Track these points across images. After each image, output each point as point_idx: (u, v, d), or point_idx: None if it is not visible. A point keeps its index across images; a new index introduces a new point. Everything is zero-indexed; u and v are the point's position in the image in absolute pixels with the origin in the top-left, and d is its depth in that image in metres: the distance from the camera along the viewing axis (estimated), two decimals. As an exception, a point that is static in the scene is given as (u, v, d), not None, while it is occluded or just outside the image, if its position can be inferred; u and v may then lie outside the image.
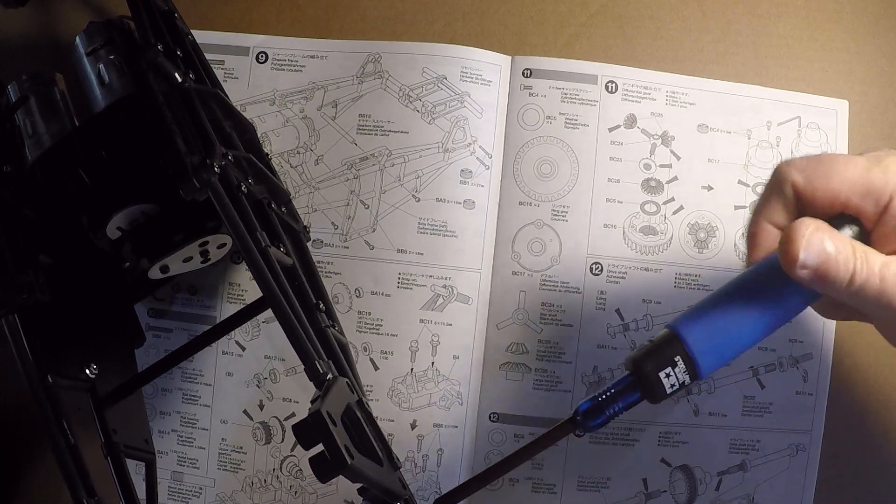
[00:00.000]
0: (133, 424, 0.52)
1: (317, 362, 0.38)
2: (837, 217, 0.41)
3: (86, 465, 0.43)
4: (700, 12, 0.61)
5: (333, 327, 0.48)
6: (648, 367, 0.41)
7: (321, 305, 0.48)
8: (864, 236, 0.41)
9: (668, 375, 0.40)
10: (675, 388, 0.41)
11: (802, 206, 0.42)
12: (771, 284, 0.41)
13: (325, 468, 0.33)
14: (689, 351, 0.40)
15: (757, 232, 0.43)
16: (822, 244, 0.39)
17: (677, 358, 0.40)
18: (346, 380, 0.40)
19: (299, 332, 0.40)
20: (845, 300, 0.41)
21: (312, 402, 0.35)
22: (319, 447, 0.33)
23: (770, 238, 0.43)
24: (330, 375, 0.38)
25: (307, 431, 0.33)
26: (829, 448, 0.57)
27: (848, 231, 0.41)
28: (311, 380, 0.38)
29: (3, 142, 0.51)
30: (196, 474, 0.58)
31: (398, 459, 0.42)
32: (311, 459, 0.33)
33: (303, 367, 0.39)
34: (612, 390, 0.42)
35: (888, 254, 0.40)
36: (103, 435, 0.47)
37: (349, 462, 0.33)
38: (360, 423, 0.38)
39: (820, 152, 0.58)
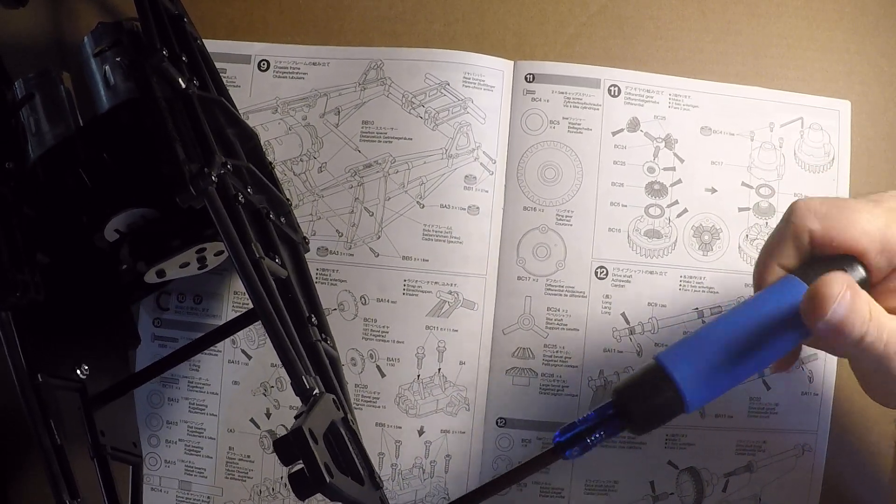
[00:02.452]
0: (122, 427, 0.52)
1: (303, 378, 0.38)
2: (846, 257, 0.42)
3: (71, 465, 0.43)
4: (700, 12, 0.61)
5: (325, 341, 0.48)
6: (634, 401, 0.41)
7: (313, 319, 0.47)
8: (867, 282, 0.42)
9: None
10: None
11: (815, 249, 0.42)
12: (765, 325, 0.41)
13: (303, 485, 0.33)
14: (678, 388, 0.40)
15: (765, 273, 0.44)
16: (847, 305, 0.39)
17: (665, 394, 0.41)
18: (333, 396, 0.40)
19: (287, 347, 0.40)
20: (843, 350, 0.42)
21: (296, 417, 0.35)
22: (300, 463, 0.33)
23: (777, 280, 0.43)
24: (316, 391, 0.38)
25: (288, 447, 0.33)
26: (834, 448, 0.57)
27: (855, 275, 0.41)
28: (297, 394, 0.38)
29: (6, 138, 0.51)
30: (204, 483, 0.58)
31: (380, 479, 0.42)
32: (290, 476, 0.33)
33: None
34: (596, 421, 0.42)
35: (889, 306, 0.41)
36: (91, 436, 0.48)
37: (328, 481, 0.33)
38: (344, 441, 0.38)
39: (826, 157, 0.59)
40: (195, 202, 0.42)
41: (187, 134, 0.44)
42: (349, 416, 0.42)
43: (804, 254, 0.43)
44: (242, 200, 0.46)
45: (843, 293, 0.39)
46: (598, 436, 0.42)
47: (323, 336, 0.49)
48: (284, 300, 0.44)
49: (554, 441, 0.42)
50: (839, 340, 0.40)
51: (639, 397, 0.41)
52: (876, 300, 0.41)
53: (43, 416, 0.44)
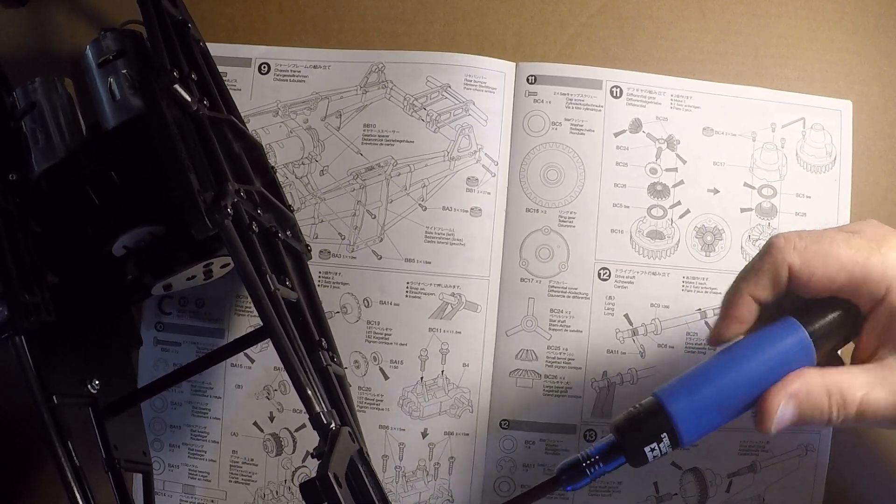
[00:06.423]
0: (132, 437, 0.52)
1: (322, 415, 0.40)
2: (828, 300, 0.43)
3: (90, 485, 0.43)
4: (699, 12, 0.61)
5: (333, 360, 0.48)
6: (633, 436, 0.43)
7: (323, 342, 0.48)
8: (853, 319, 0.43)
9: (652, 449, 0.42)
10: (657, 456, 0.43)
11: (794, 285, 0.43)
12: (761, 368, 0.42)
13: None
14: (674, 424, 0.42)
15: (736, 302, 0.44)
16: (791, 415, 0.41)
17: (662, 434, 0.42)
18: (349, 429, 0.41)
19: (305, 383, 0.40)
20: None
21: (318, 455, 0.37)
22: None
23: (747, 312, 0.44)
24: (333, 425, 0.40)
25: (315, 492, 0.35)
26: (837, 448, 0.57)
27: (833, 315, 0.43)
28: (315, 429, 0.40)
29: (7, 147, 0.50)
30: (208, 487, 0.58)
31: None
32: None
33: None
34: (597, 455, 0.43)
35: (877, 347, 0.42)
36: (104, 451, 0.48)
37: None
38: (362, 477, 0.40)
39: (828, 157, 0.59)
40: (210, 234, 0.42)
41: (199, 160, 0.44)
42: (363, 447, 0.44)
43: (780, 288, 0.43)
44: (256, 229, 0.45)
45: (782, 410, 0.41)
46: (598, 469, 0.43)
47: (331, 355, 0.48)
48: (295, 323, 0.44)
49: (560, 471, 0.44)
50: (808, 428, 0.43)
51: (641, 441, 0.43)
52: (865, 339, 0.43)
53: (61, 440, 0.44)
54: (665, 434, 0.42)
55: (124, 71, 0.48)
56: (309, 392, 0.40)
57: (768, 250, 0.43)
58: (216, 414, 0.59)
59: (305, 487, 0.35)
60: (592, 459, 0.43)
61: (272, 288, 0.43)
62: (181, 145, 0.43)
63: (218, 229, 0.42)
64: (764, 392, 0.42)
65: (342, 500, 0.34)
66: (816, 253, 0.41)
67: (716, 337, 0.45)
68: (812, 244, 0.42)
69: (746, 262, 0.56)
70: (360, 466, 0.40)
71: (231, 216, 0.42)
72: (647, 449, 0.42)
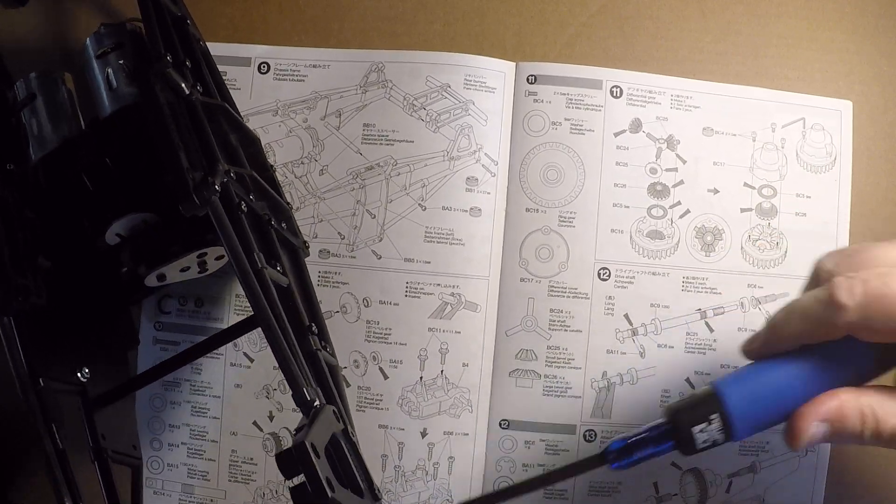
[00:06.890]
0: (122, 429, 0.52)
1: (304, 390, 0.39)
2: None
3: (72, 469, 0.44)
4: (700, 12, 0.61)
5: (325, 348, 0.48)
6: (683, 417, 0.42)
7: (314, 328, 0.48)
8: None
9: (702, 431, 0.41)
10: (706, 443, 0.42)
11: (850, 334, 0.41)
12: (821, 376, 0.41)
13: (305, 499, 0.33)
14: (726, 409, 0.41)
15: (779, 344, 0.43)
16: (822, 435, 0.41)
17: (713, 415, 0.41)
18: (333, 408, 0.40)
19: (289, 358, 0.40)
20: None
21: (298, 430, 0.36)
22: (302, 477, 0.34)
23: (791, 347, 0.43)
24: (317, 403, 0.39)
25: (290, 462, 0.33)
26: (837, 448, 0.57)
27: None
28: (298, 406, 0.39)
29: (7, 139, 0.50)
30: (207, 486, 0.58)
31: (379, 490, 0.42)
32: (292, 490, 0.34)
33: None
34: (646, 435, 0.43)
35: None
36: (91, 440, 0.48)
37: (329, 496, 0.33)
38: (344, 454, 0.39)
39: (828, 157, 0.59)
40: (198, 211, 0.42)
41: (191, 141, 0.44)
42: (349, 427, 0.43)
43: (832, 338, 0.41)
44: (245, 209, 0.45)
45: (815, 428, 0.40)
46: (647, 452, 0.43)
47: (322, 344, 0.48)
48: (285, 308, 0.44)
49: (608, 449, 0.43)
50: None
51: (690, 420, 0.42)
52: None
53: (45, 421, 0.44)
54: (716, 416, 0.41)
55: (121, 62, 0.49)
56: (293, 368, 0.39)
57: (829, 301, 0.40)
58: (215, 413, 0.59)
59: (281, 458, 0.33)
60: (641, 440, 0.42)
61: (258, 265, 0.43)
62: (173, 126, 0.44)
63: (205, 206, 0.41)
64: (797, 410, 0.41)
65: (319, 470, 0.33)
66: (879, 309, 0.39)
67: (750, 353, 0.44)
68: (874, 300, 0.39)
69: (747, 261, 0.57)
70: (343, 444, 0.39)
71: (219, 193, 0.42)
72: (696, 431, 0.41)
